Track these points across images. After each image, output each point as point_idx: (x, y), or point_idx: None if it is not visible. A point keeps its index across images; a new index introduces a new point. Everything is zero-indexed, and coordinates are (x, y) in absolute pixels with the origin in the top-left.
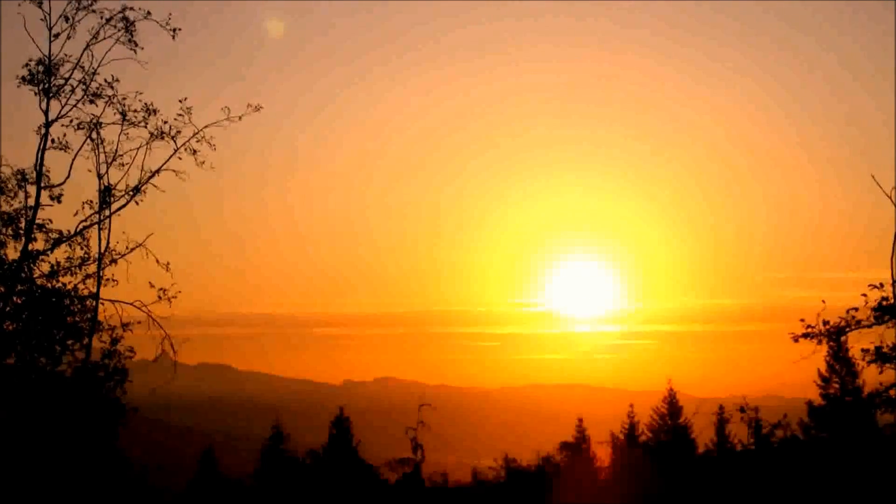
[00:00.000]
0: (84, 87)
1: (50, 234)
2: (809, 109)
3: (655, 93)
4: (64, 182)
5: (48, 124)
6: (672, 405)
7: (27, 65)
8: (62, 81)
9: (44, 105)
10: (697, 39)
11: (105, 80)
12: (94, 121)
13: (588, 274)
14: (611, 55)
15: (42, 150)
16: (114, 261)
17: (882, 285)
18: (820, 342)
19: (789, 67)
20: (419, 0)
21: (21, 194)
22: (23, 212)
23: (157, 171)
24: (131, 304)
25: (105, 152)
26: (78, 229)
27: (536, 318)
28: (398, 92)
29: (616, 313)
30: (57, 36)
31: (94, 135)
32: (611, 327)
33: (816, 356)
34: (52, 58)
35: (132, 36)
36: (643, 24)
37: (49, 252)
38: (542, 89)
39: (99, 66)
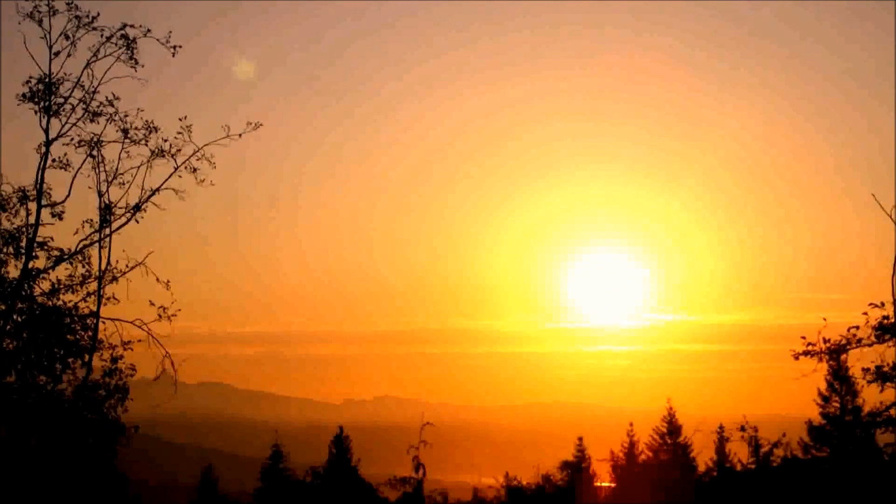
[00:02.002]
0: (84, 105)
1: (51, 252)
2: (810, 126)
3: (666, 112)
4: (65, 200)
5: (49, 142)
6: (672, 424)
7: (28, 82)
8: (62, 99)
9: (44, 123)
10: (716, 50)
11: (106, 98)
12: (95, 139)
13: (590, 293)
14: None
15: (43, 169)
16: (114, 279)
17: (883, 304)
18: (820, 360)
19: (788, 87)
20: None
21: (22, 212)
22: (24, 230)
23: (158, 190)
24: (132, 322)
25: (105, 170)
26: (78, 247)
27: (538, 336)
28: (404, 108)
29: (617, 331)
30: (57, 54)
31: (94, 153)
32: (609, 347)
33: (816, 375)
34: (53, 76)
35: (132, 54)
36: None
37: (50, 270)
38: (553, 101)
39: (99, 84)
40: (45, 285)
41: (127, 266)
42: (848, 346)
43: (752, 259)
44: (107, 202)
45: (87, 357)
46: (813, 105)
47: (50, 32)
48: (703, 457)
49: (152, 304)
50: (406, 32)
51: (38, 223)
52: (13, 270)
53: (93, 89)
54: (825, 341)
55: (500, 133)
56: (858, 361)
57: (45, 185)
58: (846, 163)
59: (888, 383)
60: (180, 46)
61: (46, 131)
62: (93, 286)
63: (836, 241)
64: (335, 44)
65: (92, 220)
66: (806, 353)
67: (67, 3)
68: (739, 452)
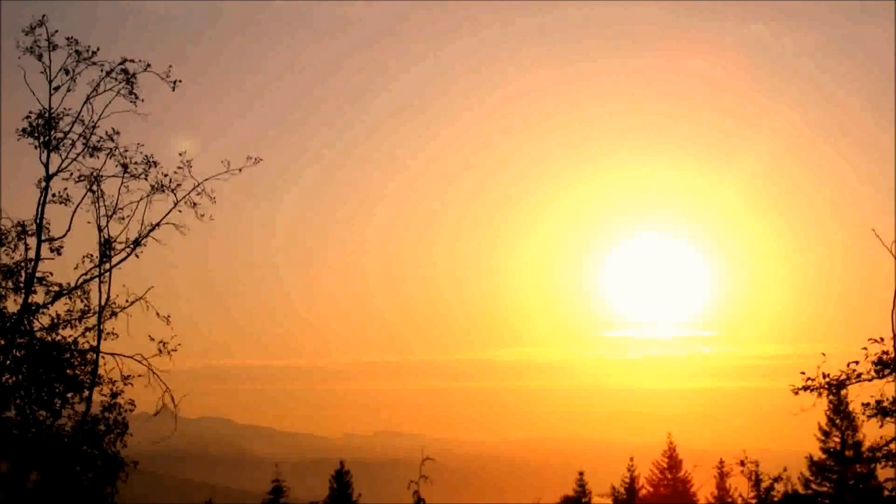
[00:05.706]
0: (84, 140)
1: (50, 288)
2: (809, 158)
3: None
4: (64, 235)
5: (48, 177)
6: (672, 458)
7: (27, 117)
8: (62, 134)
9: (44, 158)
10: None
11: (105, 133)
12: (95, 174)
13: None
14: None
15: (42, 203)
16: (114, 314)
17: (882, 339)
18: (820, 395)
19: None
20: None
21: (21, 247)
22: (23, 265)
23: (158, 225)
24: (131, 357)
25: (105, 205)
26: (78, 282)
27: (537, 369)
28: (410, 119)
29: (615, 360)
30: (57, 89)
31: (94, 188)
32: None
33: (817, 410)
34: (53, 110)
35: (132, 88)
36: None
37: (49, 305)
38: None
39: (99, 118)
40: (45, 320)
41: (127, 301)
42: (847, 381)
43: (749, 292)
44: (106, 237)
45: (86, 392)
46: (813, 145)
47: (50, 67)
48: (704, 491)
49: (152, 338)
50: (421, 27)
51: (37, 258)
52: (12, 305)
53: (93, 124)
54: (825, 376)
55: (501, 135)
56: (858, 396)
57: (44, 220)
58: (846, 196)
59: (888, 418)
60: (180, 81)
61: (46, 166)
62: (92, 321)
63: (835, 275)
64: (336, 50)
65: (92, 255)
66: (805, 388)
67: (67, 38)
68: (740, 487)
